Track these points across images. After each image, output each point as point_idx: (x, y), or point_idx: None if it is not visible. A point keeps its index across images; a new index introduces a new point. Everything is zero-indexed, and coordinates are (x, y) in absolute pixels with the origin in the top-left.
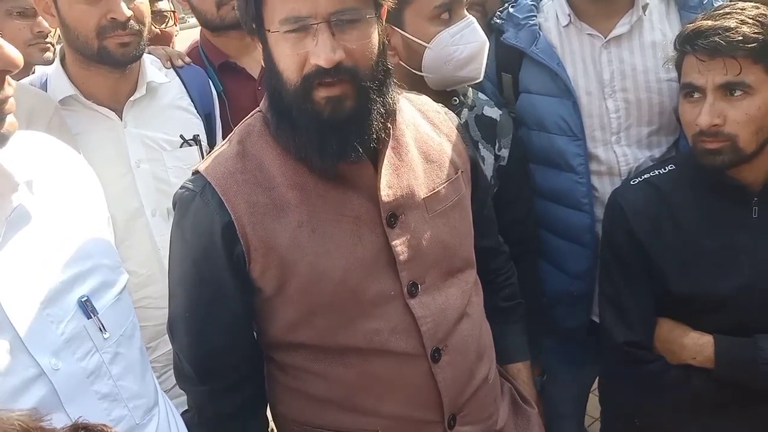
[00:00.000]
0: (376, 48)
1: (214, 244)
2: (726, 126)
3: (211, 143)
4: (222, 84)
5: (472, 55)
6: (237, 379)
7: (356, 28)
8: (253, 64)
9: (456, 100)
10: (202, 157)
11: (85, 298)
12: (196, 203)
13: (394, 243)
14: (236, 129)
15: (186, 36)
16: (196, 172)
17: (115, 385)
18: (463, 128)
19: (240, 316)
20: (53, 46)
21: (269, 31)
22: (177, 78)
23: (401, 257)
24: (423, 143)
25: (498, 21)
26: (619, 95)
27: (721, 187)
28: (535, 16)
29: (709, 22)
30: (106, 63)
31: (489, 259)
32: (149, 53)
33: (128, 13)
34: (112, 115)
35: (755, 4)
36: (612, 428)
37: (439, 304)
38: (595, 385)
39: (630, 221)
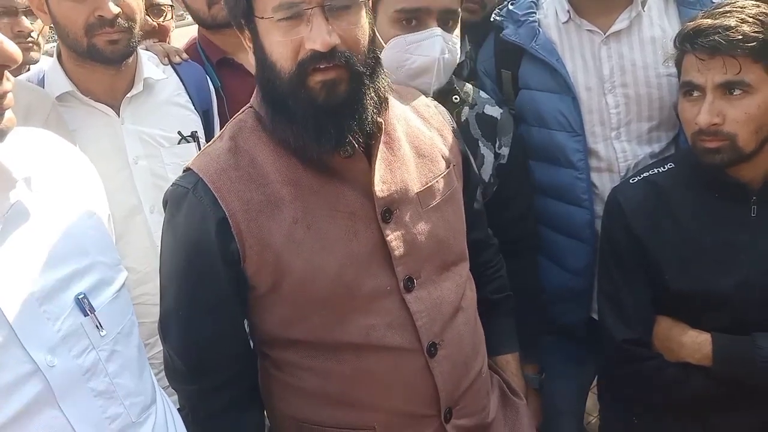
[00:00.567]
0: (367, 35)
1: (208, 241)
2: (725, 125)
3: (209, 140)
4: (220, 80)
5: (422, 68)
6: (230, 375)
7: (348, 14)
8: (250, 59)
9: (456, 98)
10: None
11: (82, 296)
12: (189, 200)
13: (389, 238)
14: (227, 125)
15: (185, 32)
16: (187, 168)
17: (111, 383)
18: (452, 120)
19: (234, 313)
20: (38, 45)
21: (262, 18)
22: (174, 74)
23: (396, 252)
24: (414, 138)
25: (498, 18)
26: (619, 91)
27: (720, 185)
28: (535, 12)
29: (709, 21)
30: (97, 60)
31: (478, 251)
32: (147, 49)
33: (115, 10)
34: (110, 111)
35: (756, 3)
36: (611, 426)
37: (435, 298)
38: (595, 383)
39: (629, 219)
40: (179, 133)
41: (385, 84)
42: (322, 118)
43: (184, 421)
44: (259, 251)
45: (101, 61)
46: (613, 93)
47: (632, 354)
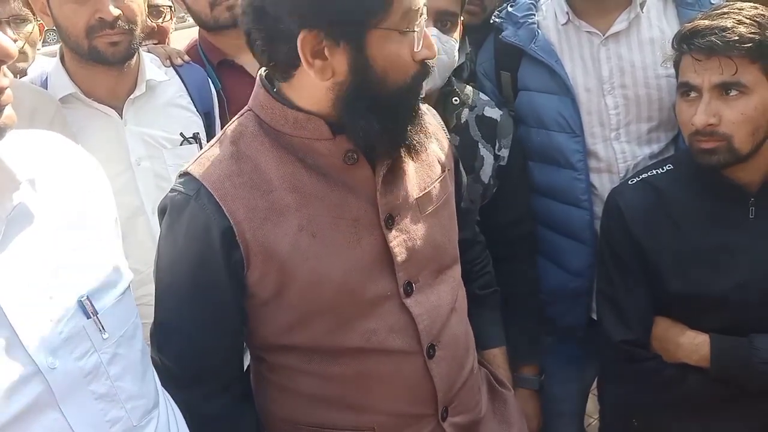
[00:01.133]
0: None
1: (212, 249)
2: (721, 126)
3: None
4: (220, 82)
5: None
6: (229, 379)
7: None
8: (251, 61)
9: (456, 100)
10: None
11: (85, 298)
12: (191, 208)
13: (391, 244)
14: (226, 129)
15: (186, 35)
16: (185, 174)
17: (113, 386)
18: (442, 123)
19: (236, 321)
20: (24, 54)
21: (378, 28)
22: (176, 76)
23: (399, 258)
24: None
25: (497, 20)
26: (618, 92)
27: (718, 187)
28: (534, 14)
29: (706, 22)
30: (98, 62)
31: (466, 249)
32: (149, 51)
33: (116, 12)
34: (112, 113)
35: (753, 4)
36: (610, 427)
37: (433, 301)
38: (595, 384)
39: (627, 220)
40: (181, 134)
41: None
42: (415, 127)
43: None
44: (264, 260)
45: (102, 62)
46: (612, 94)
47: (631, 354)
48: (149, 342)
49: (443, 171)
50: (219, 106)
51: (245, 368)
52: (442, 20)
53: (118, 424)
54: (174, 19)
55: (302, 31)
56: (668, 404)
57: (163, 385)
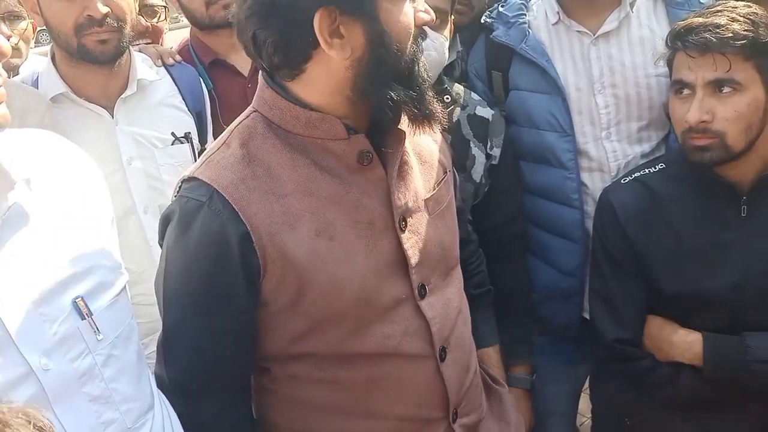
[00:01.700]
0: None
1: (228, 256)
2: (714, 123)
3: (202, 141)
4: (212, 81)
5: None
6: (238, 392)
7: None
8: (242, 61)
9: (448, 98)
10: (194, 155)
11: (80, 299)
12: (204, 214)
13: (405, 246)
14: (233, 131)
15: (178, 35)
16: (192, 179)
17: (107, 388)
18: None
19: (252, 331)
20: (18, 50)
21: None
22: (168, 76)
23: (413, 260)
24: (415, 144)
25: (488, 20)
26: (609, 91)
27: (710, 185)
28: (525, 14)
29: (700, 19)
30: (87, 60)
31: (460, 249)
32: (140, 51)
33: (104, 10)
34: (103, 112)
35: (747, 3)
36: (603, 426)
37: (443, 303)
38: (587, 383)
39: (620, 219)
40: (173, 134)
41: None
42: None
43: None
44: (282, 266)
45: (91, 61)
46: (602, 93)
47: (623, 353)
48: (141, 341)
49: (445, 172)
50: (211, 106)
51: None
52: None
53: (113, 426)
54: (168, 20)
55: (318, 11)
56: (661, 403)
57: (170, 401)
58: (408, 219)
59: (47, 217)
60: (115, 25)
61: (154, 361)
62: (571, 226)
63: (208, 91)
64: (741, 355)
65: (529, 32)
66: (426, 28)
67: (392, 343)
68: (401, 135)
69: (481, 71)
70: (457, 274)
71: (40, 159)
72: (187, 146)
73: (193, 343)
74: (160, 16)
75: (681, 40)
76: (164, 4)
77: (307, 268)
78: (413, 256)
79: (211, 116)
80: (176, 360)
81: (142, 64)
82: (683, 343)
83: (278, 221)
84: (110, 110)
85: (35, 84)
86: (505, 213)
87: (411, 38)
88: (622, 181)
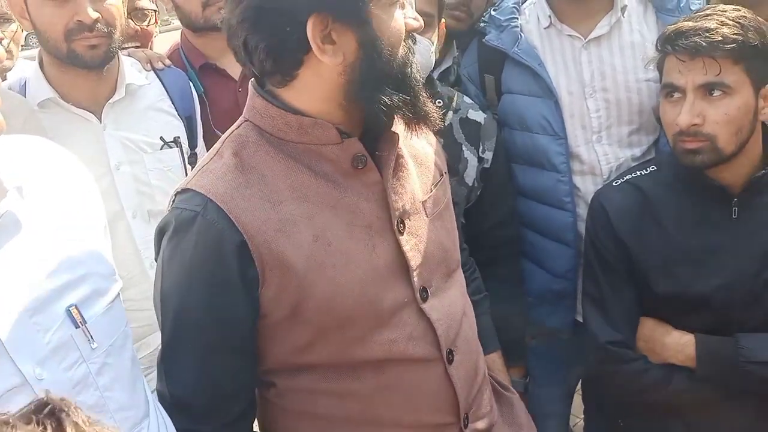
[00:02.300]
0: None
1: (225, 266)
2: (705, 126)
3: (192, 146)
4: (203, 86)
5: None
6: (245, 408)
7: None
8: (233, 65)
9: (440, 102)
10: (183, 159)
11: (73, 307)
12: (199, 224)
13: (405, 248)
14: (225, 141)
15: (168, 38)
16: (186, 190)
17: (102, 396)
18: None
19: (252, 341)
20: (9, 53)
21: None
22: (157, 80)
23: (413, 263)
24: (411, 147)
25: (481, 24)
26: (600, 95)
27: (701, 187)
28: (517, 18)
29: (690, 23)
30: (77, 65)
31: None
32: (129, 56)
33: (94, 15)
34: (91, 117)
35: (736, 7)
36: (596, 427)
37: (446, 306)
38: (579, 383)
39: (612, 222)
40: (162, 138)
41: None
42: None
43: None
44: (281, 275)
45: (81, 66)
46: (593, 97)
47: (616, 355)
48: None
49: (441, 174)
50: (201, 110)
51: None
52: None
53: None
54: (158, 23)
55: (311, 16)
56: (654, 405)
57: (173, 420)
58: (406, 221)
59: (40, 225)
60: (105, 30)
61: (145, 367)
62: (563, 228)
63: (199, 96)
64: (734, 356)
65: (521, 36)
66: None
67: (398, 348)
68: (395, 138)
69: (473, 75)
70: (459, 277)
71: (31, 166)
72: (176, 150)
73: (193, 359)
74: (150, 20)
75: (671, 44)
76: (155, 7)
77: (306, 274)
78: (413, 258)
79: (202, 120)
80: (176, 377)
81: (130, 69)
82: (676, 344)
83: (274, 228)
84: (98, 115)
85: (23, 89)
86: (497, 216)
87: (402, 43)
88: (613, 184)
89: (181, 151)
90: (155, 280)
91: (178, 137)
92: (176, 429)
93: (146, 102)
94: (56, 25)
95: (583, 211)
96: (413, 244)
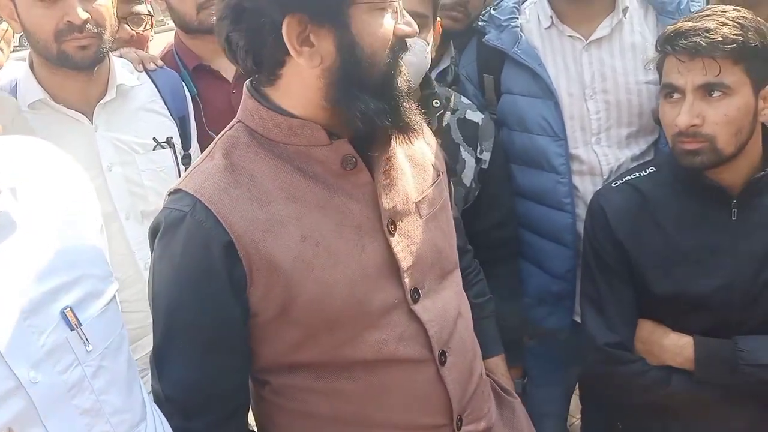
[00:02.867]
0: None
1: (213, 266)
2: (704, 126)
3: (186, 147)
4: (196, 87)
5: None
6: (237, 405)
7: None
8: (227, 66)
9: (437, 103)
10: (176, 160)
11: (68, 309)
12: (188, 224)
13: (396, 249)
14: (216, 143)
15: (162, 39)
16: (177, 191)
17: (98, 400)
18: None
19: (243, 342)
20: (0, 50)
21: (362, 3)
22: (149, 81)
23: (403, 263)
24: (407, 147)
25: (480, 23)
26: (600, 96)
27: (701, 189)
28: (517, 18)
29: (690, 24)
30: (67, 66)
31: (459, 258)
32: (121, 56)
33: (84, 15)
34: (83, 118)
35: (736, 8)
36: (593, 428)
37: (440, 307)
38: (577, 384)
39: (611, 223)
40: (154, 139)
41: None
42: (410, 106)
43: None
44: (268, 274)
45: (71, 67)
46: (594, 99)
47: (614, 357)
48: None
49: (438, 175)
50: (195, 111)
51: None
52: None
53: None
54: (154, 27)
55: (286, 17)
56: (652, 407)
57: (167, 418)
58: (397, 222)
59: (34, 226)
60: (95, 30)
61: (140, 369)
62: (562, 229)
63: (192, 97)
64: (733, 358)
65: (521, 36)
66: None
67: (388, 349)
68: (387, 139)
69: (472, 74)
70: (455, 278)
71: (27, 166)
72: (169, 151)
73: (185, 359)
74: (146, 25)
75: (671, 44)
76: (150, 12)
77: (293, 274)
78: (404, 260)
79: (196, 122)
80: (168, 376)
81: (121, 70)
82: (674, 346)
83: (262, 228)
84: (89, 116)
85: (13, 91)
86: (495, 217)
87: (388, 50)
88: (612, 185)
89: (174, 151)
90: (149, 280)
91: (171, 138)
92: (170, 425)
93: (138, 103)
94: (46, 26)
95: (582, 211)
96: (404, 245)
